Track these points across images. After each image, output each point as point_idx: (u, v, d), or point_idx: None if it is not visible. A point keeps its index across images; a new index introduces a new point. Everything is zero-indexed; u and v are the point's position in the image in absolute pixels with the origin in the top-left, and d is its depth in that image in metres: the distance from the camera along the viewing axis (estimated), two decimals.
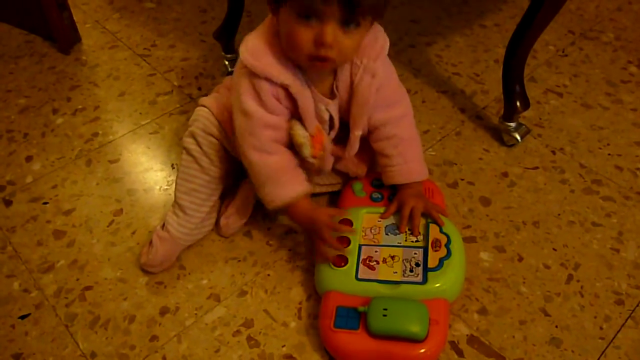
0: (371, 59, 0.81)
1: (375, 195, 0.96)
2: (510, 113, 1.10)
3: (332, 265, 0.84)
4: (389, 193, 0.95)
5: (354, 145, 0.89)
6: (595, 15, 1.49)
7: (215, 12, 1.53)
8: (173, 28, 1.47)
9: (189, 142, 0.90)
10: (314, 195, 0.97)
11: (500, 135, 1.14)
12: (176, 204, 0.93)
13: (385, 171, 0.93)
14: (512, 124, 1.12)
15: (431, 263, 0.83)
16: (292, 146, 0.86)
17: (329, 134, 0.89)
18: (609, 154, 1.12)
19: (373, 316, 0.76)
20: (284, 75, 0.79)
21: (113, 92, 1.29)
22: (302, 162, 0.87)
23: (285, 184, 0.85)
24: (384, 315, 0.75)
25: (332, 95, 0.86)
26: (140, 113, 1.23)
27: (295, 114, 0.84)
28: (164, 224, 0.93)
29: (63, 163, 1.13)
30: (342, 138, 0.91)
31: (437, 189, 0.98)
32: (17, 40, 1.45)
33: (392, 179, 0.92)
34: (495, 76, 1.29)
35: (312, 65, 0.77)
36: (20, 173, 1.11)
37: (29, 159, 1.14)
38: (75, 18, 1.43)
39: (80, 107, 1.25)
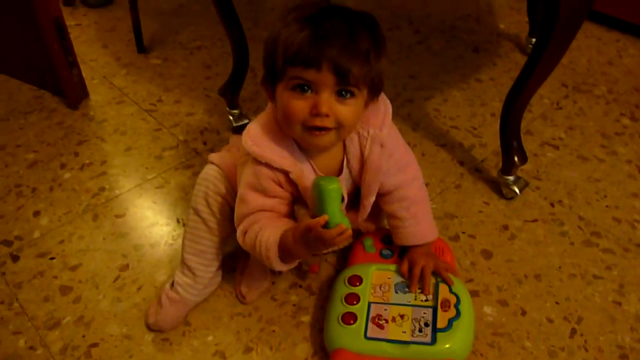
0: (377, 128, 0.83)
1: (385, 252, 0.97)
2: (508, 167, 1.13)
3: (341, 323, 0.84)
4: (399, 250, 0.97)
5: (366, 211, 0.90)
6: (587, 69, 1.54)
7: (219, 68, 1.57)
8: (178, 84, 1.52)
9: (199, 203, 0.91)
10: (324, 253, 0.98)
11: (499, 188, 1.17)
12: (184, 265, 0.94)
13: (396, 233, 0.94)
14: (511, 178, 1.15)
15: (440, 323, 0.83)
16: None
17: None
18: (607, 206, 1.14)
19: None
20: (284, 160, 0.80)
21: (120, 146, 1.32)
22: None
23: (266, 231, 0.81)
24: None
25: (339, 171, 0.87)
26: (147, 167, 1.26)
27: (299, 197, 0.84)
28: (172, 283, 0.94)
29: (70, 218, 1.15)
30: (354, 202, 0.92)
31: (448, 247, 0.99)
32: (26, 96, 1.49)
33: (404, 240, 0.93)
34: (492, 129, 1.33)
35: (310, 136, 0.77)
36: (28, 228, 1.13)
37: (36, 213, 1.16)
38: (83, 74, 1.47)
39: (87, 161, 1.28)
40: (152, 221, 1.14)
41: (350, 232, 0.74)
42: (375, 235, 1.00)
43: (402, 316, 0.86)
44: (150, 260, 1.06)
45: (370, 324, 0.85)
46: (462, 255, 1.05)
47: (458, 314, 0.84)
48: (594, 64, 1.56)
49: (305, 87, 0.74)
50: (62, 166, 1.27)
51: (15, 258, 1.07)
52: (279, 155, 0.80)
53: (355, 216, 0.92)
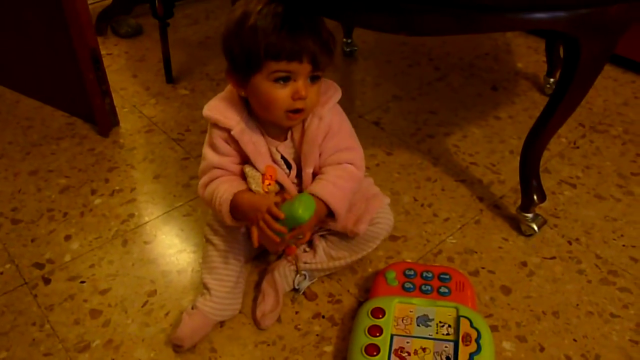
0: (319, 105, 0.93)
1: (408, 285, 1.00)
2: (527, 205, 1.16)
3: (365, 354, 0.87)
4: (421, 283, 0.99)
5: (307, 181, 0.97)
6: (604, 109, 1.58)
7: None
8: None
9: (207, 232, 1.04)
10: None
11: (518, 225, 1.20)
12: (203, 284, 1.02)
13: (312, 182, 0.97)
14: (530, 215, 1.17)
15: (461, 357, 0.86)
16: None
17: (288, 173, 0.97)
18: (624, 245, 1.16)
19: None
20: (229, 120, 0.92)
21: (148, 174, 1.37)
22: None
23: (220, 189, 0.93)
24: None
25: (284, 139, 0.96)
26: (175, 195, 1.30)
27: (246, 157, 0.94)
28: (192, 306, 1.00)
29: (100, 243, 1.19)
30: (300, 172, 0.99)
31: (468, 282, 1.01)
32: (59, 122, 1.55)
33: (312, 186, 0.95)
34: (510, 166, 1.36)
35: (288, 119, 0.90)
36: (59, 252, 1.17)
37: (67, 237, 1.20)
38: (114, 103, 1.53)
39: (117, 188, 1.33)
40: (180, 248, 1.17)
41: (277, 242, 0.88)
42: (398, 268, 1.03)
43: (424, 349, 0.88)
44: (177, 286, 1.09)
45: (392, 356, 0.87)
46: (482, 291, 1.07)
47: (479, 348, 0.86)
48: (610, 105, 1.59)
49: (288, 78, 0.86)
50: (93, 192, 1.32)
51: (47, 281, 1.11)
52: (224, 116, 0.92)
53: (334, 224, 1.00)
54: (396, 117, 1.56)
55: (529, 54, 1.84)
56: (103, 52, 1.85)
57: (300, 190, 0.98)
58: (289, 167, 0.98)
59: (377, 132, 1.50)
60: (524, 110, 1.57)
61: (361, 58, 1.85)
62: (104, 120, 1.49)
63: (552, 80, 1.63)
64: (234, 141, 0.93)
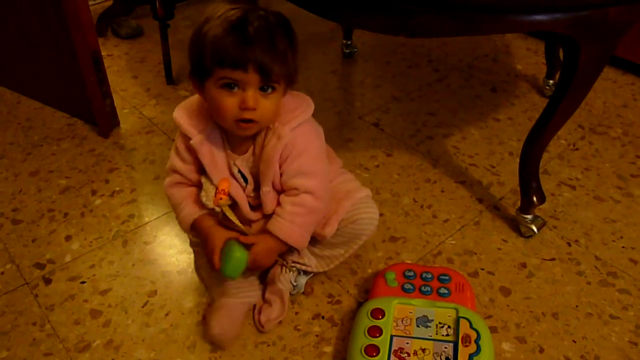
0: (281, 124, 0.91)
1: (407, 286, 1.00)
2: (526, 206, 1.16)
3: (364, 354, 0.87)
4: (420, 284, 1.00)
5: (265, 199, 0.96)
6: (603, 111, 1.58)
7: None
8: None
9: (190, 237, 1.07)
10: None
11: (517, 226, 1.20)
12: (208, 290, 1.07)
13: (271, 219, 0.96)
14: (529, 216, 1.18)
15: (461, 358, 0.86)
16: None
17: (245, 187, 0.97)
18: (623, 247, 1.17)
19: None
20: (191, 129, 0.92)
21: (149, 175, 1.37)
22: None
23: (184, 209, 0.97)
24: None
25: (246, 152, 0.95)
26: None
27: (203, 169, 0.94)
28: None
29: (101, 243, 1.19)
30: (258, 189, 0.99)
31: (468, 284, 1.01)
32: (59, 123, 1.55)
33: (271, 227, 0.95)
34: (510, 168, 1.37)
35: (239, 128, 0.88)
36: (60, 252, 1.17)
37: (68, 238, 1.20)
38: (114, 104, 1.53)
39: (117, 189, 1.33)
40: (180, 249, 1.17)
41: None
42: (398, 269, 1.03)
43: (423, 350, 0.88)
44: (178, 287, 1.09)
45: (392, 357, 0.88)
46: (481, 292, 1.07)
47: (478, 349, 0.87)
48: (609, 107, 1.60)
49: (232, 85, 0.84)
50: (93, 192, 1.32)
51: (47, 281, 1.11)
52: (188, 124, 0.92)
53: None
54: (396, 119, 1.56)
55: (528, 56, 1.84)
56: (103, 53, 1.85)
57: (257, 205, 0.98)
58: (246, 181, 0.97)
59: (377, 133, 1.50)
60: (523, 112, 1.57)
61: (361, 59, 1.86)
62: (104, 121, 1.49)
63: (551, 82, 1.64)
64: (193, 150, 0.93)
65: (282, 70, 0.85)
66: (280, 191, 0.97)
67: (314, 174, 0.95)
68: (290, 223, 0.94)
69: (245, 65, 0.82)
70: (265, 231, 0.96)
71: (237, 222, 0.96)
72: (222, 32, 0.83)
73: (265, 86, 0.85)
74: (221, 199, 0.93)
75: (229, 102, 0.85)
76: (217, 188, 0.93)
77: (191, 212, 0.96)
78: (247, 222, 1.00)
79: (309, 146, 0.94)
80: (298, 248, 0.98)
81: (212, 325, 0.97)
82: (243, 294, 1.02)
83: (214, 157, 0.93)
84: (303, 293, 1.07)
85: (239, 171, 0.95)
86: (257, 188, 0.97)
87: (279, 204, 0.96)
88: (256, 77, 0.83)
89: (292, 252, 1.04)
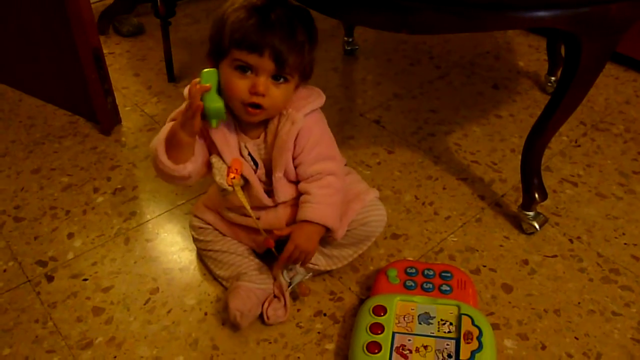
0: (295, 109, 0.92)
1: (409, 283, 1.00)
2: (528, 203, 1.16)
3: (366, 351, 0.87)
4: (422, 281, 1.00)
5: (277, 186, 0.96)
6: (605, 108, 1.58)
7: None
8: None
9: (193, 234, 1.11)
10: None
11: (519, 223, 1.20)
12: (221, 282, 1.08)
13: (301, 208, 0.96)
14: (531, 213, 1.17)
15: (463, 355, 0.86)
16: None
17: (255, 172, 0.97)
18: (625, 244, 1.16)
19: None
20: None
21: (150, 172, 1.37)
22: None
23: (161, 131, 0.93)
24: None
25: (258, 137, 0.96)
26: (176, 194, 1.30)
27: (214, 144, 0.94)
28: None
29: (103, 241, 1.19)
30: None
31: (470, 280, 1.01)
32: (61, 121, 1.55)
33: (304, 214, 0.95)
34: (512, 165, 1.36)
35: (246, 113, 0.89)
36: (62, 249, 1.17)
37: (70, 235, 1.21)
38: (116, 101, 1.53)
39: (119, 186, 1.33)
40: (182, 246, 1.17)
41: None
42: (400, 266, 1.03)
43: (425, 347, 0.88)
44: (180, 284, 1.09)
45: (394, 354, 0.88)
46: (483, 289, 1.07)
47: (480, 346, 0.87)
48: (611, 103, 1.59)
49: (246, 68, 0.85)
50: (95, 190, 1.32)
51: (50, 278, 1.11)
52: None
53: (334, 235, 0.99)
54: (397, 116, 1.56)
55: (530, 53, 1.84)
56: (105, 51, 1.84)
57: (270, 191, 0.98)
58: (256, 165, 0.97)
59: (378, 130, 1.50)
60: (525, 109, 1.57)
61: (362, 57, 1.86)
62: (106, 119, 1.49)
63: (553, 78, 1.63)
64: (205, 128, 0.93)
65: (297, 62, 0.86)
66: (292, 181, 0.97)
67: (332, 157, 0.98)
68: (324, 205, 0.95)
69: (262, 50, 0.83)
70: (297, 222, 0.96)
71: (247, 206, 0.96)
72: (244, 13, 0.84)
73: (278, 75, 0.86)
74: (234, 177, 0.93)
75: (241, 84, 0.86)
76: (229, 167, 0.93)
77: (164, 130, 0.92)
78: (261, 207, 1.00)
79: (325, 134, 0.98)
80: (334, 229, 0.96)
81: (231, 300, 0.97)
82: (261, 280, 1.02)
83: (226, 136, 0.94)
84: (299, 294, 1.06)
85: (249, 154, 0.96)
86: (268, 174, 0.98)
87: (302, 192, 0.97)
88: (271, 63, 0.84)
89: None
